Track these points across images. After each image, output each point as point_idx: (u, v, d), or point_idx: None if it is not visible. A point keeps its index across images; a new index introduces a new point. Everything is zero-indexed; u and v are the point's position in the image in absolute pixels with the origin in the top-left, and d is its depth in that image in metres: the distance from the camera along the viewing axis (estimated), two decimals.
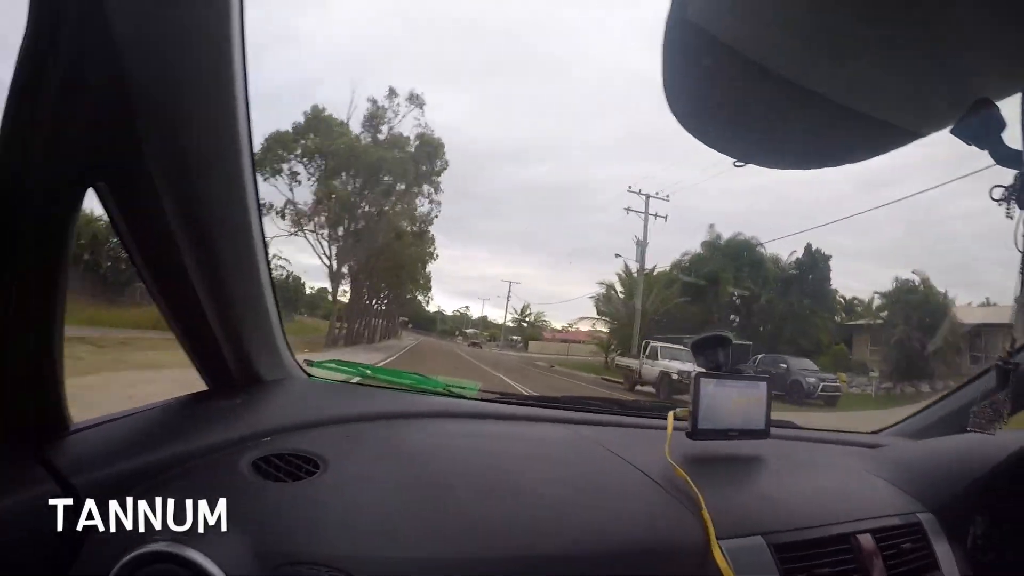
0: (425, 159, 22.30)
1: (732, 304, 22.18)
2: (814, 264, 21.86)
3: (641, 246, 22.07)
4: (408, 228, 23.23)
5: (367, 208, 21.23)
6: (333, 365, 1.19)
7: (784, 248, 23.82)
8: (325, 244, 20.80)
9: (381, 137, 21.59)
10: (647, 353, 15.44)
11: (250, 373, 0.98)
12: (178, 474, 0.72)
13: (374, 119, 21.62)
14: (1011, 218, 0.68)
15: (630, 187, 23.66)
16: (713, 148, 0.68)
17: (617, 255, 22.10)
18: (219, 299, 0.82)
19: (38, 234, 0.60)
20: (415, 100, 21.92)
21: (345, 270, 22.19)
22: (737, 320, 22.22)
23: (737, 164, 0.72)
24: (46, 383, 0.68)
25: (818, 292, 21.75)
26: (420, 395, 1.17)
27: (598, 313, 26.43)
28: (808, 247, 21.77)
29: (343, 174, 20.65)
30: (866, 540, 0.96)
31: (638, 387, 14.79)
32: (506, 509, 0.78)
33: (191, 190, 0.71)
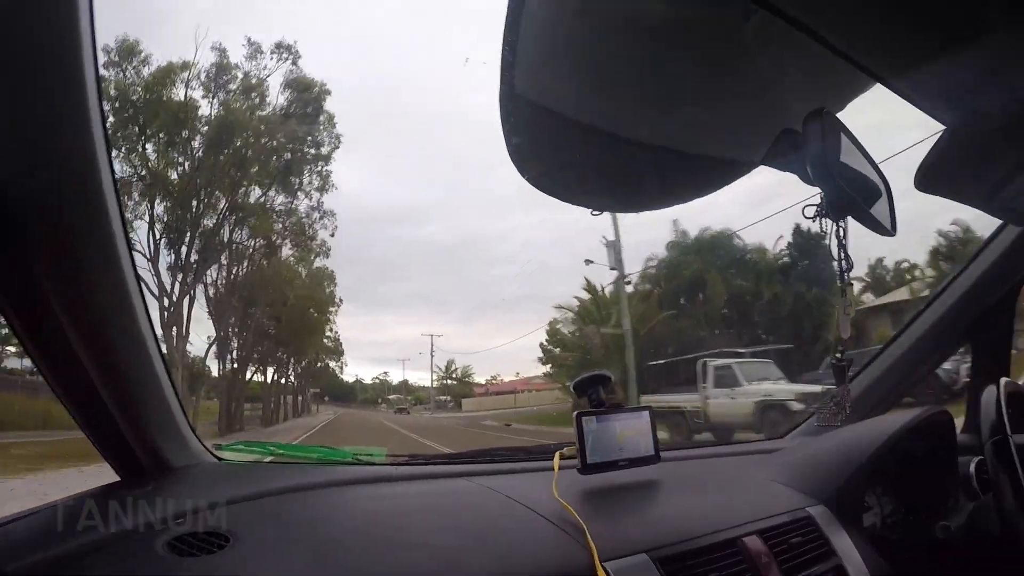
0: (302, 117, 16.38)
1: (728, 307, 19.32)
2: (808, 247, 17.79)
3: (614, 247, 17.22)
4: (280, 236, 17.56)
5: (205, 194, 15.27)
6: (241, 447, 1.21)
7: (764, 236, 21.06)
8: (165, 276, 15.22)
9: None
10: (710, 379, 10.68)
11: (158, 461, 1.01)
12: (97, 560, 0.75)
13: (223, 73, 15.31)
14: (824, 232, 0.76)
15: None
16: (569, 203, 0.74)
17: (589, 261, 17.76)
18: (117, 390, 0.86)
19: None
20: (284, 51, 15.99)
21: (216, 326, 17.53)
22: (734, 327, 18.74)
23: (594, 213, 0.78)
24: None
25: (825, 277, 16.85)
26: (330, 466, 1.21)
27: (544, 354, 22.70)
28: (797, 228, 17.85)
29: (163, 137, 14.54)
30: (753, 541, 1.02)
31: (698, 436, 10.14)
32: (402, 563, 0.83)
33: (70, 278, 0.74)
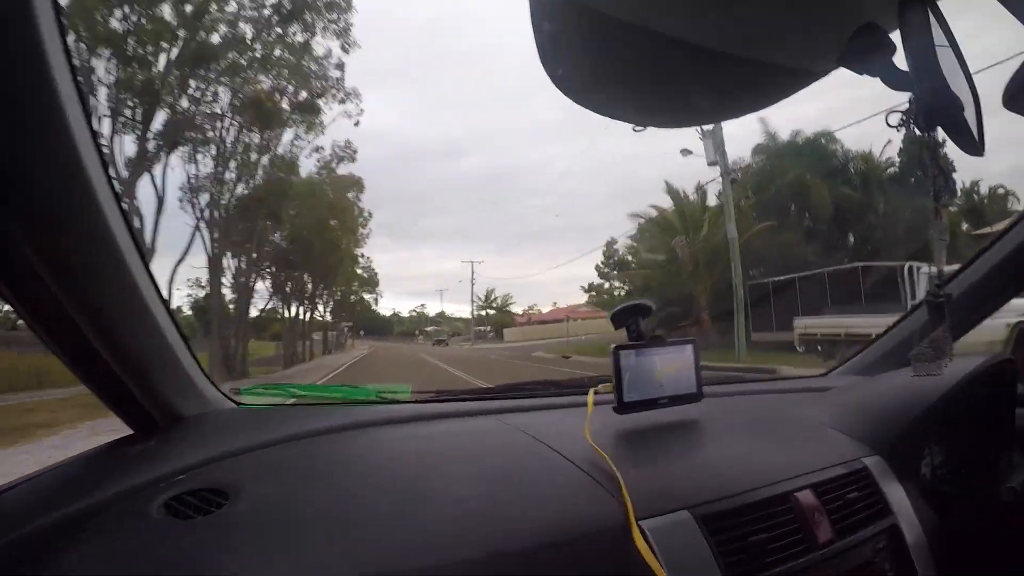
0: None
1: (835, 220, 16.58)
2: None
3: (714, 137, 13.79)
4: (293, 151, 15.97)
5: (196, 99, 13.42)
6: (260, 390, 1.18)
7: (867, 140, 17.54)
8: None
9: None
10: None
11: (169, 411, 0.97)
12: (92, 526, 0.71)
13: None
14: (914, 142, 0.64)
15: None
16: (609, 116, 0.68)
17: (686, 151, 14.37)
18: (112, 343, 0.80)
19: None
20: None
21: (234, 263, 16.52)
22: (852, 240, 16.61)
23: (636, 129, 0.72)
24: None
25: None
26: (353, 407, 1.17)
27: (601, 277, 20.82)
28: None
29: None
30: (806, 497, 0.95)
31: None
32: (421, 516, 0.77)
33: (51, 235, 0.68)
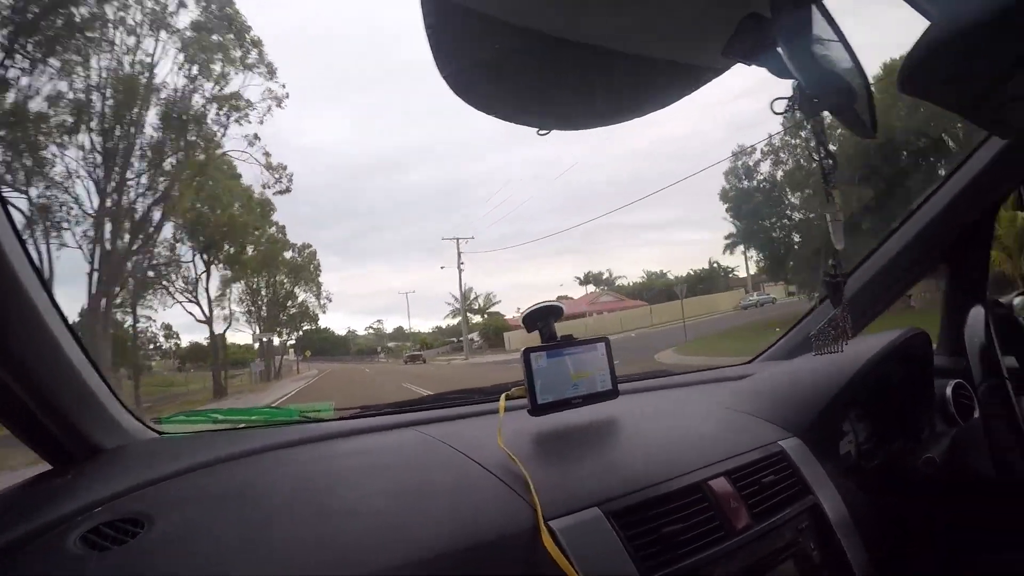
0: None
1: None
2: None
3: None
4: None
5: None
6: (182, 418, 1.19)
7: None
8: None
9: None
10: None
11: (87, 443, 0.98)
12: (8, 565, 0.72)
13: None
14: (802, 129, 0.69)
15: None
16: (510, 120, 0.69)
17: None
18: (19, 375, 0.82)
19: None
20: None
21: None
22: None
23: (541, 133, 0.73)
24: None
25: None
26: (276, 428, 1.18)
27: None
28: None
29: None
30: (720, 484, 0.97)
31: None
32: (336, 533, 0.78)
33: None
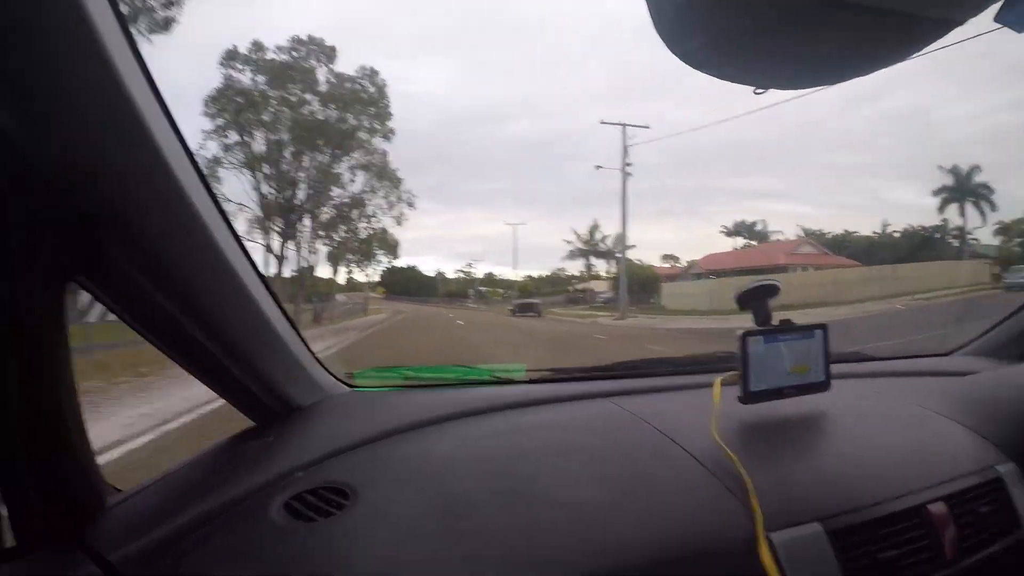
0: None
1: None
2: None
3: None
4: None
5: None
6: (372, 373, 1.20)
7: None
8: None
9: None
10: None
11: (286, 401, 1.00)
12: (214, 529, 0.74)
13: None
14: None
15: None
16: (730, 80, 0.65)
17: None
18: (223, 342, 0.83)
19: (30, 328, 0.63)
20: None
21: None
22: None
23: (757, 92, 0.69)
24: (77, 464, 0.71)
25: None
26: (466, 388, 1.18)
27: None
28: None
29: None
30: (938, 509, 0.90)
31: None
32: (537, 524, 0.76)
33: (155, 253, 0.69)
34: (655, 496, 0.83)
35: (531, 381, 1.25)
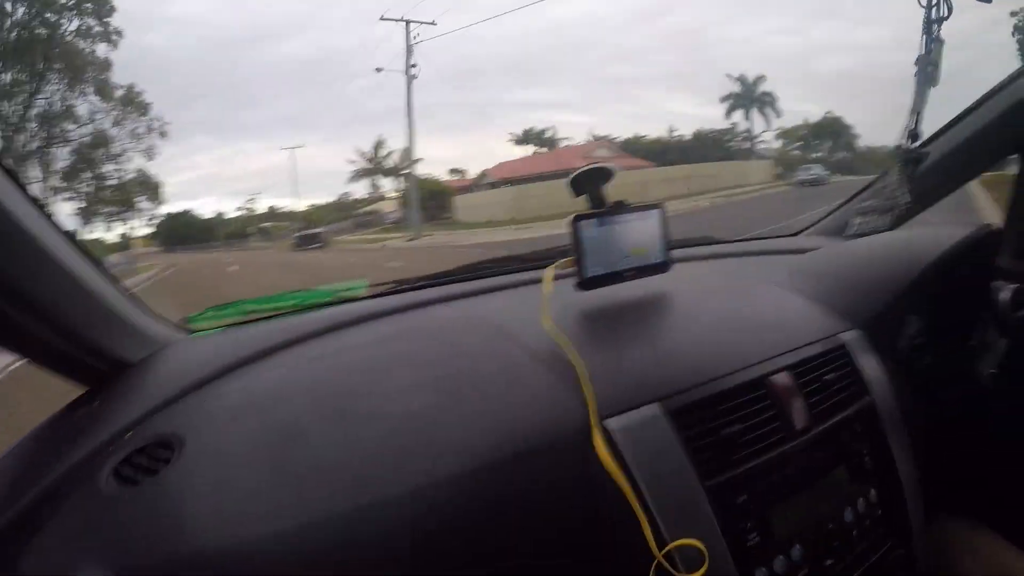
0: None
1: None
2: None
3: None
4: None
5: None
6: (211, 313, 1.10)
7: None
8: None
9: None
10: None
11: (116, 361, 0.88)
12: (48, 511, 0.66)
13: None
14: None
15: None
16: None
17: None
18: (28, 309, 0.72)
19: None
20: None
21: None
22: None
23: None
24: None
25: None
26: (308, 313, 1.12)
27: None
28: None
29: None
30: (782, 380, 0.91)
31: None
32: (366, 441, 0.73)
33: None
34: (488, 397, 0.81)
35: (374, 296, 1.21)
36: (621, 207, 1.07)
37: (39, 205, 0.73)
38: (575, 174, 1.08)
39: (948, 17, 0.60)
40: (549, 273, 0.99)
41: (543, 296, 0.94)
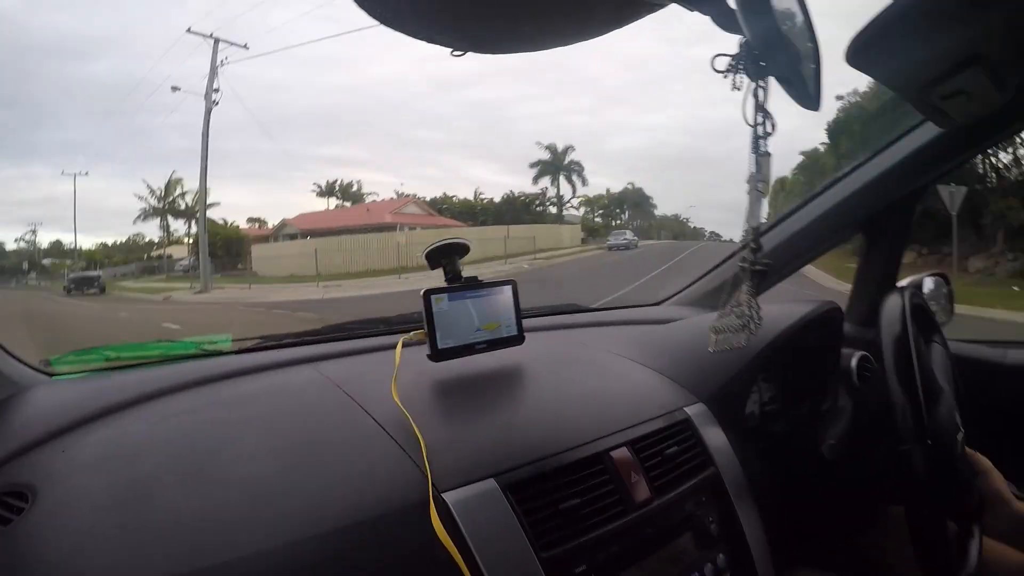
0: None
1: None
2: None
3: None
4: None
5: None
6: (72, 357, 1.07)
7: None
8: None
9: None
10: None
11: None
12: None
13: None
14: (738, 89, 0.62)
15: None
16: (427, 40, 0.64)
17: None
18: None
19: None
20: None
21: None
22: None
23: (455, 54, 0.68)
24: None
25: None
26: (172, 364, 1.12)
27: None
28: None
29: None
30: (621, 455, 0.93)
31: None
32: (207, 504, 0.72)
33: None
34: (331, 464, 0.82)
35: (239, 352, 1.22)
36: (474, 282, 1.12)
37: None
38: (430, 248, 1.11)
39: (773, 133, 0.65)
40: (398, 346, 1.02)
41: (395, 368, 0.97)
